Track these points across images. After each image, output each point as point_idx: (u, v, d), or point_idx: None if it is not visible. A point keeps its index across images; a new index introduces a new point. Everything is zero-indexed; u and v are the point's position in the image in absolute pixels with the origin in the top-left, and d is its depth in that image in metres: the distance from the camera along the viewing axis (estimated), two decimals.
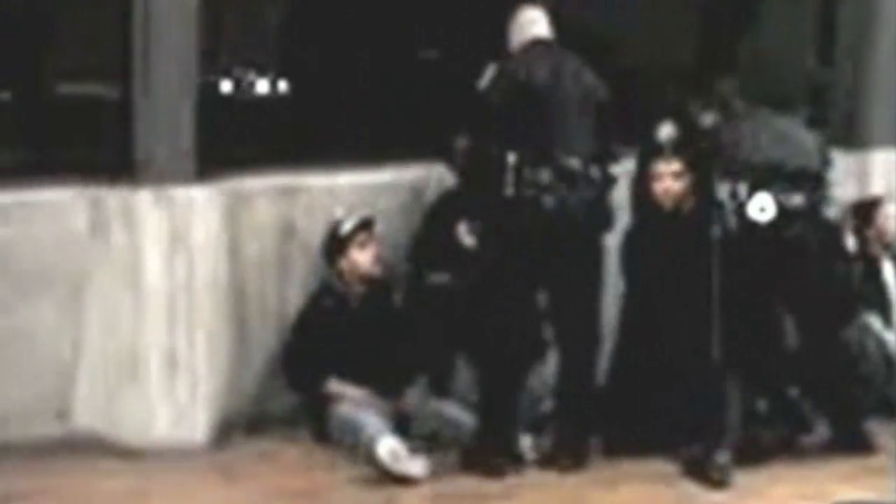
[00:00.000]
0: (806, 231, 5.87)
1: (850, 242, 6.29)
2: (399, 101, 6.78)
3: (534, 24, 5.99)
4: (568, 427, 5.85)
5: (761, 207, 5.79)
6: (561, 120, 5.76)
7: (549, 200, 5.70)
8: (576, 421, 5.86)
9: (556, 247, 5.73)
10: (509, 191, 5.71)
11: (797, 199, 5.83)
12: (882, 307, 6.67)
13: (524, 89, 5.77)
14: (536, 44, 5.95)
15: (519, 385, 5.84)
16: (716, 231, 5.83)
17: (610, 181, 5.86)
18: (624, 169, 6.11)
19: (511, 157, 5.71)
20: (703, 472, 5.63)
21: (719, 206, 5.83)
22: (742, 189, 5.81)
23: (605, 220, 5.88)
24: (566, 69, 5.85)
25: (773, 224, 5.79)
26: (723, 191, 5.84)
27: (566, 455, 5.78)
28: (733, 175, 5.83)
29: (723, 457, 5.63)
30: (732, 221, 5.82)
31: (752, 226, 5.79)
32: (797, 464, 5.83)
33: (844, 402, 6.03)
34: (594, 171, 5.78)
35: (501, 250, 5.81)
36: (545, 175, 5.70)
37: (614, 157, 5.86)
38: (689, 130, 6.13)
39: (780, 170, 5.83)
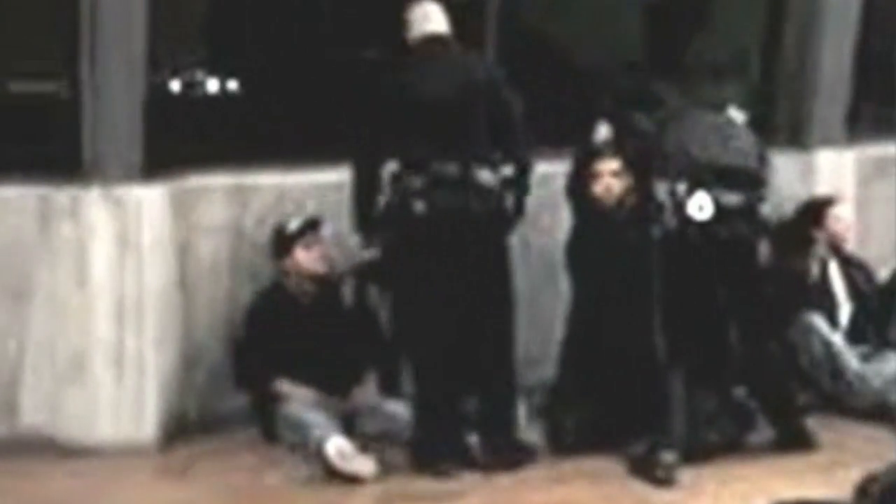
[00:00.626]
0: (743, 230, 5.91)
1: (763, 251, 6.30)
2: (346, 100, 6.76)
3: (427, 20, 5.87)
4: (497, 427, 5.83)
5: (700, 206, 5.83)
6: (442, 124, 5.67)
7: (419, 206, 5.66)
8: (502, 419, 5.83)
9: (447, 251, 5.67)
10: (388, 198, 5.71)
11: (735, 199, 5.88)
12: (828, 308, 6.72)
13: (405, 96, 5.70)
14: (430, 42, 5.84)
15: (459, 383, 5.81)
16: (656, 230, 5.87)
17: (506, 185, 5.77)
18: (559, 170, 6.12)
19: (391, 165, 5.70)
20: (649, 471, 5.67)
21: (658, 205, 5.87)
22: (681, 188, 5.85)
23: (501, 224, 5.81)
24: (455, 71, 5.75)
25: (711, 222, 5.84)
26: (662, 190, 5.88)
27: (499, 456, 5.77)
28: (672, 174, 5.87)
29: (669, 455, 5.68)
30: (671, 220, 5.86)
31: (691, 224, 5.84)
32: (743, 462, 5.87)
33: (785, 401, 6.09)
34: (483, 176, 5.70)
35: (393, 258, 5.82)
36: (418, 181, 5.66)
37: (493, 164, 5.73)
38: (625, 131, 6.17)
39: (717, 169, 5.88)
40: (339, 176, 6.16)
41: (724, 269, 5.90)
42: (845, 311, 6.75)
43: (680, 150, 5.91)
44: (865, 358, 6.59)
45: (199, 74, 7.03)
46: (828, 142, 7.41)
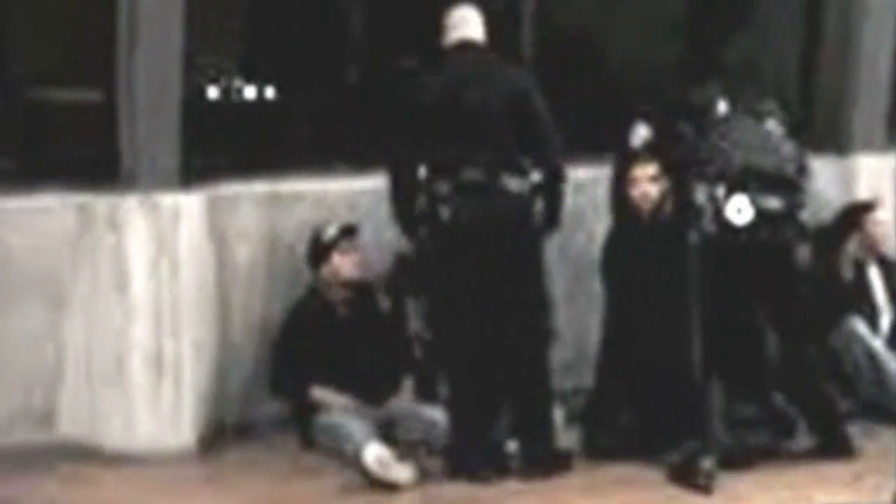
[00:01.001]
0: (782, 234, 5.88)
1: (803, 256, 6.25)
2: (382, 107, 6.77)
3: (462, 25, 5.84)
4: (533, 433, 5.80)
5: (738, 209, 5.80)
6: (470, 130, 5.66)
7: (445, 212, 5.66)
8: (541, 427, 5.81)
9: (474, 257, 5.67)
10: (420, 204, 5.71)
11: (774, 203, 5.84)
12: (869, 313, 6.67)
13: (434, 101, 5.70)
14: (463, 47, 5.82)
15: (493, 389, 5.77)
16: (694, 235, 5.84)
17: (535, 191, 5.74)
18: (598, 174, 6.09)
19: (421, 171, 5.70)
20: (688, 478, 5.63)
21: (697, 209, 5.84)
22: (720, 191, 5.82)
23: (530, 230, 5.78)
24: (486, 77, 5.73)
25: (749, 227, 5.80)
26: (700, 194, 5.85)
27: (539, 464, 5.75)
28: (711, 178, 5.84)
29: (708, 462, 5.64)
30: (710, 225, 5.82)
31: (729, 229, 5.80)
32: (782, 469, 5.83)
33: (825, 408, 6.04)
34: (510, 183, 5.68)
35: (424, 263, 5.82)
36: (444, 187, 5.66)
37: (522, 171, 5.71)
38: (663, 133, 6.14)
39: (756, 173, 5.84)
40: (374, 182, 6.16)
41: (763, 275, 5.86)
42: (887, 317, 6.69)
43: (719, 154, 5.88)
44: None
45: (237, 81, 7.06)
46: (867, 147, 7.36)
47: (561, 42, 7.26)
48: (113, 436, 6.04)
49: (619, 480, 5.73)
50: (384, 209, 5.96)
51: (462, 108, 5.69)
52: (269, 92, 7.10)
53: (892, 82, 7.48)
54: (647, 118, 6.20)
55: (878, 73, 7.40)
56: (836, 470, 5.79)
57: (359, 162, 6.54)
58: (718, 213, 5.80)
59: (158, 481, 5.79)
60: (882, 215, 6.80)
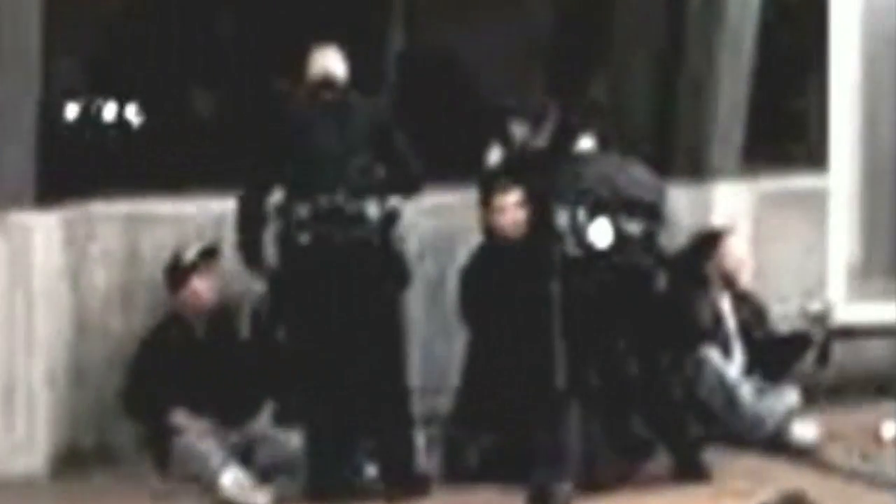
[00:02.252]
0: (641, 259, 5.96)
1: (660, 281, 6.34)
2: (247, 130, 6.73)
3: (321, 64, 5.95)
4: (392, 457, 5.82)
5: (599, 232, 5.87)
6: (328, 162, 5.76)
7: (303, 237, 5.72)
8: (400, 451, 5.82)
9: (332, 282, 5.72)
10: (277, 228, 5.77)
11: (634, 227, 5.92)
12: (723, 340, 6.75)
13: (291, 137, 5.80)
14: (323, 85, 5.92)
15: (351, 413, 5.77)
16: (555, 257, 5.89)
17: (391, 217, 5.82)
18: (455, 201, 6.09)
19: (278, 196, 5.76)
20: (546, 502, 5.66)
21: (559, 232, 5.90)
22: (581, 214, 5.89)
23: (387, 256, 5.82)
24: (343, 115, 5.85)
25: (610, 250, 5.87)
26: (562, 217, 5.92)
27: (398, 487, 5.75)
28: (571, 200, 5.91)
29: (565, 486, 5.68)
30: (572, 248, 5.89)
31: (591, 252, 5.87)
32: (639, 492, 5.89)
33: (680, 431, 6.13)
34: (370, 208, 5.76)
35: (281, 289, 5.83)
36: (303, 212, 5.72)
37: (381, 196, 5.79)
38: (518, 152, 6.21)
39: (617, 197, 5.93)
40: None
41: (623, 298, 5.93)
42: (738, 345, 6.78)
43: (577, 180, 5.95)
44: (761, 392, 6.63)
45: (97, 101, 6.97)
46: (723, 174, 7.49)
47: (427, 70, 7.32)
48: None
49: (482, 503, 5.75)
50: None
51: (321, 144, 5.78)
52: (129, 112, 7.03)
53: (748, 112, 7.62)
54: (500, 138, 6.25)
55: (736, 102, 7.54)
56: (693, 493, 5.87)
57: (222, 183, 6.48)
58: (580, 235, 5.86)
59: None
60: (735, 245, 6.87)
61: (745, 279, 6.80)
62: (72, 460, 6.11)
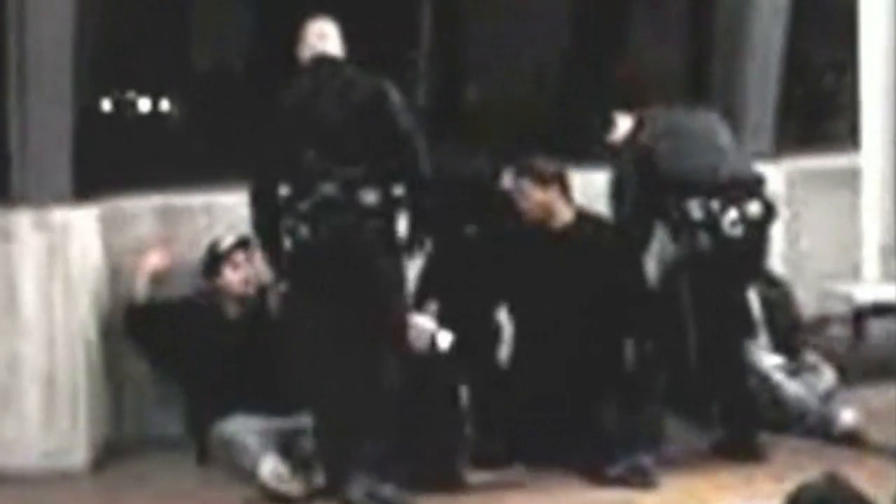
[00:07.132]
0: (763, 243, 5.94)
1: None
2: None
3: (320, 39, 5.67)
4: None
5: (732, 221, 5.84)
6: (327, 146, 5.43)
7: (304, 230, 5.46)
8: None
9: (338, 276, 5.46)
10: (285, 224, 5.48)
11: (754, 209, 5.89)
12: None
13: (290, 118, 5.50)
14: (321, 62, 5.65)
15: (358, 414, 5.51)
16: (685, 251, 5.85)
17: (394, 204, 5.45)
18: None
19: (284, 190, 5.48)
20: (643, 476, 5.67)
21: (692, 223, 5.84)
22: (714, 205, 5.83)
23: (391, 247, 5.50)
24: (341, 91, 5.51)
25: (740, 239, 5.84)
26: (695, 208, 5.84)
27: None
28: (700, 192, 5.83)
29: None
30: (704, 241, 5.83)
31: (725, 243, 5.83)
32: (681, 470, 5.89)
33: (749, 410, 6.12)
34: (369, 197, 5.42)
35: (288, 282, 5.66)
36: (304, 205, 5.44)
37: (382, 184, 5.43)
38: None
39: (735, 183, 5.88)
40: None
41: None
42: (763, 330, 6.74)
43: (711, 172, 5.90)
44: (794, 374, 6.60)
45: (130, 95, 7.01)
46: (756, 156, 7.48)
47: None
48: (5, 454, 5.95)
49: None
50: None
51: (315, 124, 5.49)
52: (165, 104, 7.07)
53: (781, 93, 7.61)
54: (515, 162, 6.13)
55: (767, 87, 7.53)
56: (740, 473, 5.84)
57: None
58: (716, 225, 5.80)
59: (51, 499, 5.72)
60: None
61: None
62: (113, 452, 6.16)
